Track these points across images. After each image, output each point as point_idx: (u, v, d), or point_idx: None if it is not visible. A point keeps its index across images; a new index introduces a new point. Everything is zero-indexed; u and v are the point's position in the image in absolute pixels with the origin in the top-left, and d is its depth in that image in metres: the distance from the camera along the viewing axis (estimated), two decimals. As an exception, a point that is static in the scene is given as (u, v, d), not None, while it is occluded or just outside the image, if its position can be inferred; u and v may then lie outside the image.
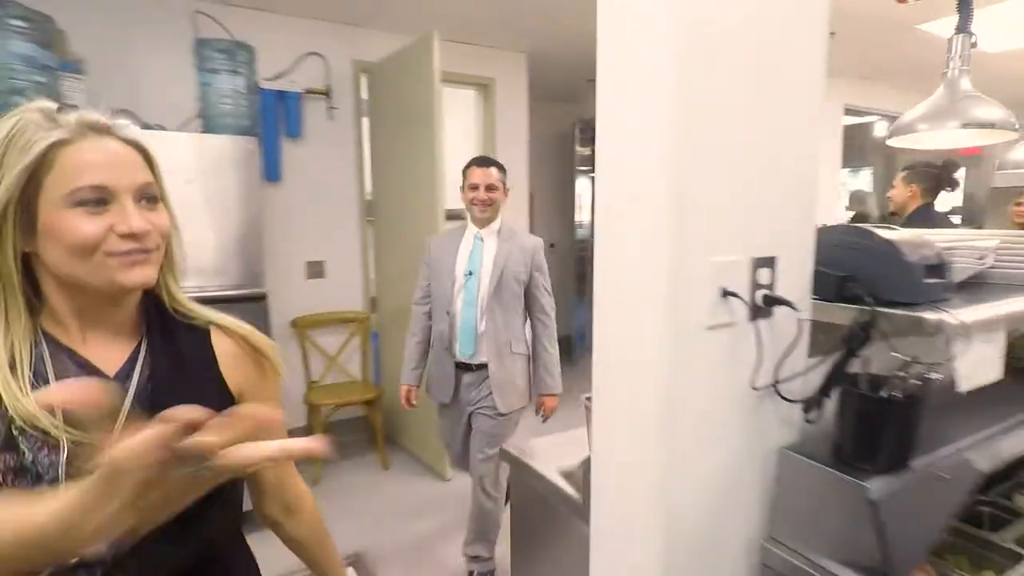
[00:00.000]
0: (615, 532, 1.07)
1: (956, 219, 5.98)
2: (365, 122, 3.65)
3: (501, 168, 2.25)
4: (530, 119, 4.52)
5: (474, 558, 2.33)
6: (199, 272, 2.54)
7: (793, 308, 0.96)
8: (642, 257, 0.94)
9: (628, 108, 0.95)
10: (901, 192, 2.77)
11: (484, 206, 2.18)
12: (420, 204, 3.14)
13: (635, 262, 0.95)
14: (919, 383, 0.92)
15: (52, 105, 0.68)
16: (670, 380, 0.93)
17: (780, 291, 1.01)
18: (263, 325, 2.52)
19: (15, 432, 0.62)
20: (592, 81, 1.01)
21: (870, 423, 0.93)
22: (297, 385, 3.44)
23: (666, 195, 0.89)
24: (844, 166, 9.24)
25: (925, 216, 2.65)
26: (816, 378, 1.02)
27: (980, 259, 1.18)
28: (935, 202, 2.77)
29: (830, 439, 1.01)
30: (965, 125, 1.40)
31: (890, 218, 3.01)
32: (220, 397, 0.78)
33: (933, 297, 0.99)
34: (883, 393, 0.92)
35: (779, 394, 1.02)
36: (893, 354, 0.94)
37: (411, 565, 2.48)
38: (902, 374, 0.93)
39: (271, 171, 3.24)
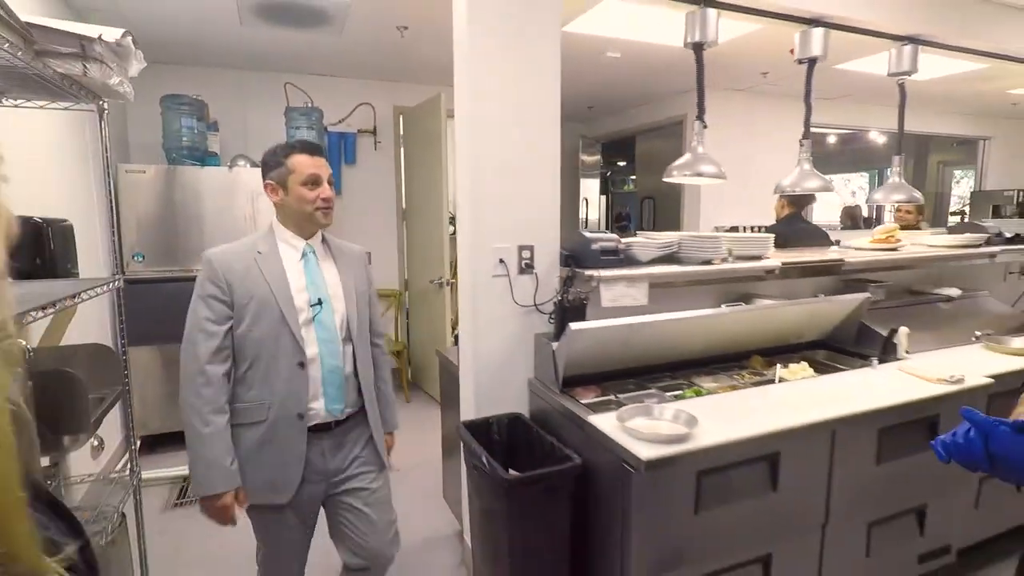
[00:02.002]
0: (464, 372, 2.28)
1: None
2: (401, 151, 4.99)
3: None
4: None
5: None
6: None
7: (533, 269, 2.14)
8: (464, 242, 2.15)
9: (461, 168, 2.17)
10: (777, 206, 3.74)
11: (328, 209, 1.62)
12: (434, 208, 4.41)
13: (464, 245, 2.17)
14: (581, 301, 2.07)
15: None
16: (475, 300, 2.13)
17: (537, 261, 2.18)
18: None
19: None
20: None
21: (561, 318, 2.09)
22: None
23: (470, 215, 2.10)
24: (839, 172, 9.74)
25: (788, 221, 3.64)
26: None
27: (663, 247, 2.29)
28: (801, 211, 3.72)
29: (557, 330, 2.17)
30: (695, 175, 2.47)
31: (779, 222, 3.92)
32: None
33: (604, 265, 2.12)
34: (566, 305, 2.08)
35: (537, 309, 2.19)
36: (574, 289, 2.10)
37: (425, 467, 3.69)
38: (572, 299, 2.09)
39: (335, 188, 4.62)
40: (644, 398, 2.08)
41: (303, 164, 1.57)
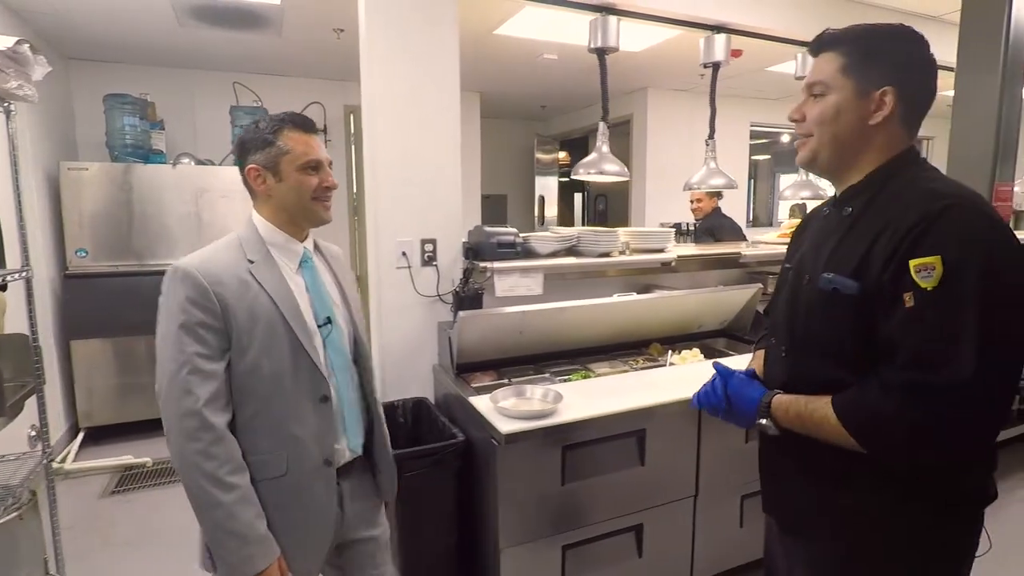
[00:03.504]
0: (375, 358, 2.41)
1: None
2: (352, 149, 5.10)
3: None
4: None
5: None
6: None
7: (435, 261, 2.28)
8: (370, 235, 2.28)
9: (365, 163, 2.29)
10: (707, 201, 3.93)
11: (329, 200, 1.34)
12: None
13: (369, 238, 2.30)
14: (475, 291, 2.21)
15: None
16: (380, 291, 2.26)
17: (441, 254, 2.32)
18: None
19: None
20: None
21: (457, 308, 2.22)
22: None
23: (372, 209, 2.23)
24: (794, 170, 9.98)
25: (716, 215, 3.83)
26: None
27: (563, 240, 2.43)
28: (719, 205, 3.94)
29: (459, 319, 2.31)
30: (598, 172, 2.62)
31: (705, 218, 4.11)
32: None
33: (500, 257, 2.26)
34: (465, 293, 2.22)
35: (440, 299, 2.33)
36: (472, 280, 2.24)
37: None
38: (477, 286, 2.23)
39: (285, 186, 4.73)
40: (537, 381, 2.23)
41: (299, 143, 1.26)
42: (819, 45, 1.05)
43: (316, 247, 1.41)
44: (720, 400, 1.14)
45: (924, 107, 1.02)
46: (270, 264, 1.27)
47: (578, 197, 8.59)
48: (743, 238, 3.71)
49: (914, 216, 0.89)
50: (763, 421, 1.07)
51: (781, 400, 1.06)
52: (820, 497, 1.04)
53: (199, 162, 3.95)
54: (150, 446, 3.61)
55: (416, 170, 2.26)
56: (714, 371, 1.19)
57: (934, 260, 0.85)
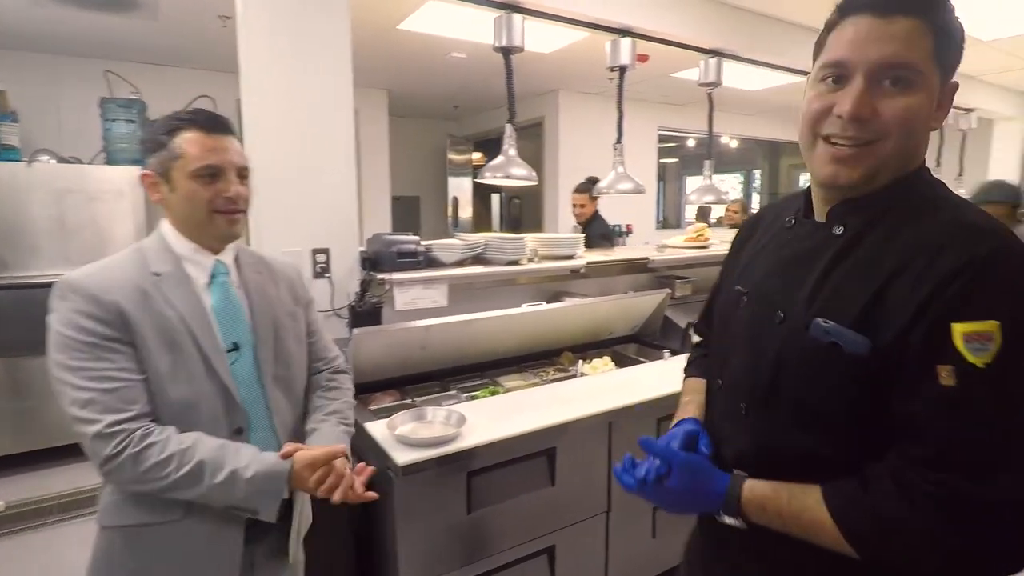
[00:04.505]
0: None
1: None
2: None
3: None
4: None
5: None
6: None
7: (328, 273, 2.09)
8: (253, 245, 2.05)
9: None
10: (590, 204, 3.94)
11: (234, 213, 1.14)
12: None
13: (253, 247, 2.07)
14: (373, 306, 2.05)
15: None
16: (266, 305, 2.04)
17: (336, 265, 2.13)
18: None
19: None
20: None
21: (358, 320, 2.05)
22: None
23: (256, 219, 2.00)
24: (700, 173, 10.45)
25: (598, 217, 3.88)
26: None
27: (468, 248, 2.31)
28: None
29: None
30: (505, 176, 2.53)
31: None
32: None
33: (400, 268, 2.11)
34: (362, 308, 2.04)
35: (336, 314, 2.14)
36: (370, 293, 2.07)
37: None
38: (375, 300, 2.06)
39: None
40: (442, 400, 2.10)
41: (196, 146, 1.08)
42: (901, 1, 0.71)
43: (238, 260, 1.24)
44: (660, 492, 0.84)
45: None
46: (180, 277, 1.13)
47: (495, 198, 8.54)
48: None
49: (953, 260, 0.66)
50: (729, 520, 0.82)
51: (755, 494, 0.79)
52: None
53: (62, 160, 3.49)
54: (2, 487, 3.14)
55: (305, 172, 2.06)
56: (647, 453, 0.86)
57: (991, 328, 0.63)
